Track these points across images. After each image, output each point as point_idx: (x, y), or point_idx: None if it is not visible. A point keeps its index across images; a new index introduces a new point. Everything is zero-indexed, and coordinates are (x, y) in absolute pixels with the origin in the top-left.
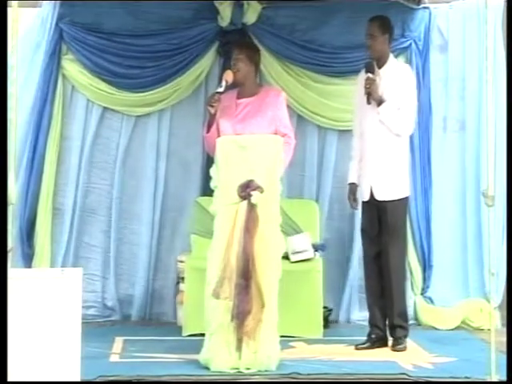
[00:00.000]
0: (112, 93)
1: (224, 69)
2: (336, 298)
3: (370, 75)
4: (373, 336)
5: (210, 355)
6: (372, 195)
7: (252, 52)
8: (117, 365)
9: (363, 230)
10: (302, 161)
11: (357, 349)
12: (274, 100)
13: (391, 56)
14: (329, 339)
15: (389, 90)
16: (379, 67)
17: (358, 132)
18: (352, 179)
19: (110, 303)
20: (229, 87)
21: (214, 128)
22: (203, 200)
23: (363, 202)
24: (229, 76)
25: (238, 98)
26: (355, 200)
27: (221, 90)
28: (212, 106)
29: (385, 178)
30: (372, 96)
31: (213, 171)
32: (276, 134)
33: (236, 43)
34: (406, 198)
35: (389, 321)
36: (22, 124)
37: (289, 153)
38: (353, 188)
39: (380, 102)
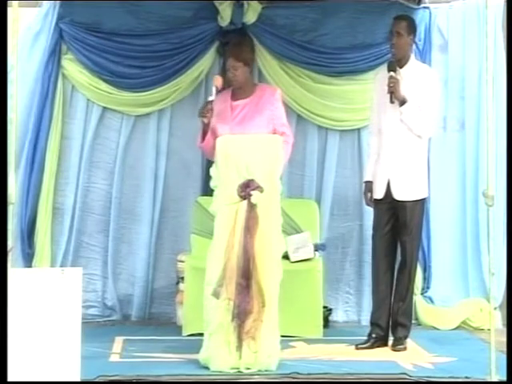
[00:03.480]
0: (112, 93)
1: (224, 69)
2: (336, 298)
3: (393, 74)
4: (373, 335)
5: (210, 355)
6: (388, 193)
7: (247, 55)
8: (117, 365)
9: (375, 228)
10: (302, 161)
11: (357, 349)
12: (269, 99)
13: (412, 57)
14: (329, 339)
15: (410, 90)
16: (400, 67)
17: (375, 130)
18: (368, 177)
19: (110, 303)
20: (221, 88)
21: (208, 136)
22: (203, 200)
23: (376, 200)
24: (218, 81)
25: (233, 99)
26: (371, 199)
27: (212, 98)
28: (205, 117)
29: (404, 177)
30: (395, 95)
31: (213, 171)
32: (274, 132)
33: (230, 50)
34: (425, 199)
35: (392, 318)
36: (22, 124)
37: (288, 151)
38: (369, 186)
39: (403, 102)
